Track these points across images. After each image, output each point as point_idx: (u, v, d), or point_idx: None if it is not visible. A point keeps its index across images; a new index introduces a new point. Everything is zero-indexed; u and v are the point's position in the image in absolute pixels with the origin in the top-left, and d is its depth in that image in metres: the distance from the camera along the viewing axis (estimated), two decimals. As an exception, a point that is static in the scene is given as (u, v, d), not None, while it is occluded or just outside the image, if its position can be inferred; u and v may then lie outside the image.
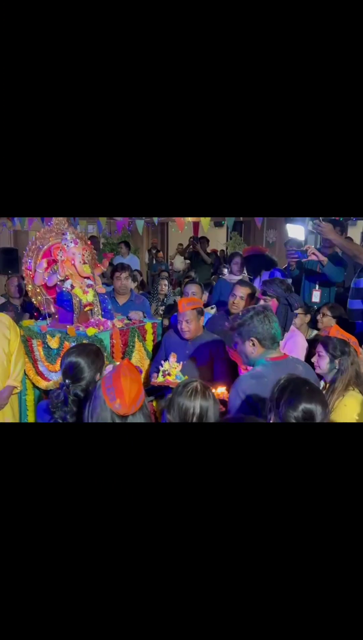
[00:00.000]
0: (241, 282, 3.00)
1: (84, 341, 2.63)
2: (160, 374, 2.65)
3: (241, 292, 2.85)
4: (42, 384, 2.89)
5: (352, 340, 2.24)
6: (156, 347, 3.15)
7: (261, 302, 2.39)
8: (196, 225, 8.45)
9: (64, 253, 2.94)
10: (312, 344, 2.65)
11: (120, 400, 1.45)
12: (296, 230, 3.78)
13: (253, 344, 1.89)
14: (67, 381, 1.84)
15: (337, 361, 2.16)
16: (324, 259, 3.39)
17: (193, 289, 3.41)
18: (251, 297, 2.83)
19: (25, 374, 2.92)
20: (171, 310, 4.35)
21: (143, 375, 2.89)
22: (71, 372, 1.85)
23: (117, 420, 1.48)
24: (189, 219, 7.23)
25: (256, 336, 1.87)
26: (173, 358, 2.65)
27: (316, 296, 3.58)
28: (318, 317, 3.20)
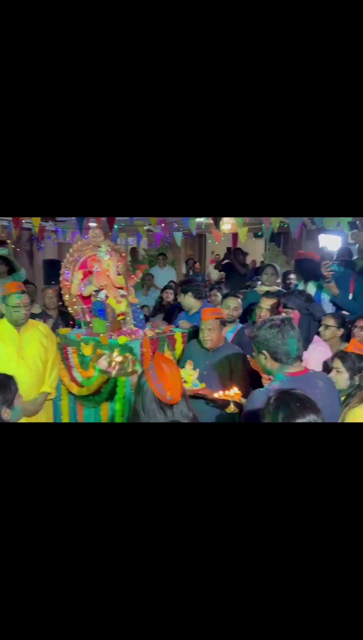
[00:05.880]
0: (267, 294, 3.02)
1: None
2: None
3: (267, 304, 2.87)
4: (75, 390, 3.01)
5: None
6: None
7: (282, 315, 2.39)
8: (234, 237, 8.46)
9: (99, 265, 3.07)
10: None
11: (170, 393, 1.58)
12: (331, 241, 3.75)
13: (265, 357, 1.87)
14: None
15: (356, 377, 2.13)
16: (336, 291, 3.53)
17: (234, 303, 3.42)
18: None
19: (60, 379, 3.06)
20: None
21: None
22: None
23: (162, 414, 1.59)
24: (226, 230, 7.25)
25: (267, 349, 1.84)
26: (189, 365, 2.66)
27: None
28: (354, 330, 3.11)
